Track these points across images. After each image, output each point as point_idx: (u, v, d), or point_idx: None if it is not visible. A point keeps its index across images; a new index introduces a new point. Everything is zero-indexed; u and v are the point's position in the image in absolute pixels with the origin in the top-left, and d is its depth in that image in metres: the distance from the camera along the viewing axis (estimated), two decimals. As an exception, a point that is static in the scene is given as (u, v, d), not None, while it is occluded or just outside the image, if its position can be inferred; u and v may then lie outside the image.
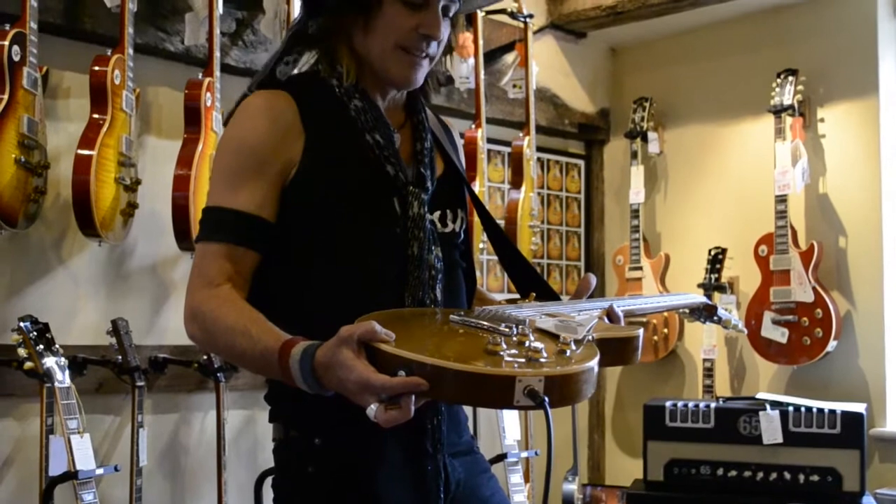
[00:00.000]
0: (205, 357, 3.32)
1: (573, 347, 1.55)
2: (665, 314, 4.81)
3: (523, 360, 1.47)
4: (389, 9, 1.79)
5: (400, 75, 1.83)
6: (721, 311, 2.47)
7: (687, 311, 2.42)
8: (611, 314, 1.84)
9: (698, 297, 2.39)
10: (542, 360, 1.47)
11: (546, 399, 1.42)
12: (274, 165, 1.76)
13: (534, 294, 1.95)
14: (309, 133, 1.78)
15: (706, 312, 2.42)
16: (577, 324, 1.67)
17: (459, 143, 2.08)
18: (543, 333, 1.61)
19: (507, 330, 1.57)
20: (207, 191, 1.85)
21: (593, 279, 2.00)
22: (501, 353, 1.48)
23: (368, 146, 1.81)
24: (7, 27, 2.77)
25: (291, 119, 1.78)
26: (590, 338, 1.63)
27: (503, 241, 2.04)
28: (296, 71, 1.89)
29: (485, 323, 1.61)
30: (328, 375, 1.53)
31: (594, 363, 1.52)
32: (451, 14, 1.85)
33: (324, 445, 1.76)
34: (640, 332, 1.76)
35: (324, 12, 1.85)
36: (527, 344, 1.51)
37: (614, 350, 1.71)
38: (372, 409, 1.47)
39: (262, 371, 1.70)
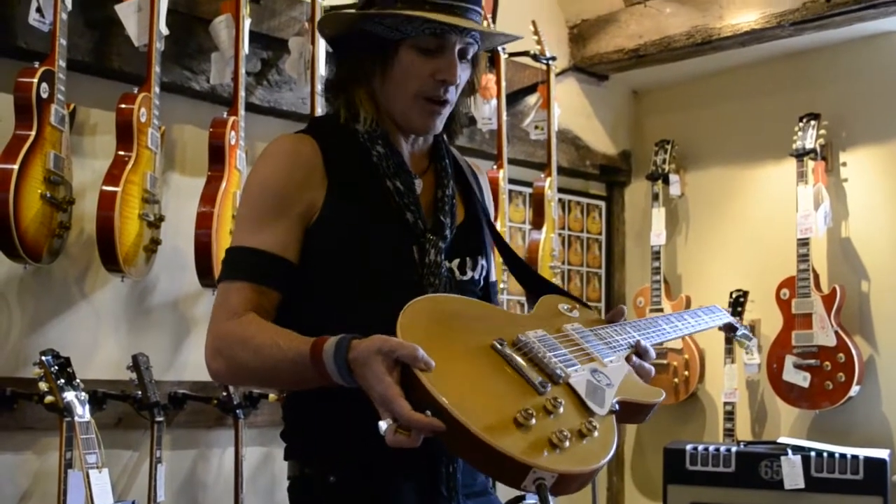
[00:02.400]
0: (224, 393, 3.33)
1: (594, 434, 1.57)
2: (686, 356, 4.79)
3: (546, 443, 1.50)
4: (405, 57, 1.80)
5: (421, 124, 1.85)
6: (741, 331, 2.50)
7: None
8: (639, 352, 1.87)
9: (722, 317, 2.37)
10: (564, 447, 1.50)
11: (550, 501, 1.46)
12: (297, 207, 1.78)
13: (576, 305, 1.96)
14: (331, 178, 1.80)
15: (727, 329, 2.45)
16: (607, 383, 1.70)
17: (487, 186, 2.09)
18: (573, 395, 1.63)
19: (541, 388, 1.59)
20: (232, 231, 1.87)
21: (624, 309, 2.00)
22: (529, 427, 1.50)
23: (389, 193, 1.83)
24: (36, 65, 2.81)
25: (315, 163, 1.80)
26: (615, 406, 1.66)
27: (525, 269, 2.07)
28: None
29: (523, 366, 1.62)
30: (358, 371, 1.54)
31: (606, 460, 1.56)
32: (469, 56, 1.85)
33: (339, 483, 1.76)
34: (661, 399, 1.80)
35: (343, 61, 1.88)
36: (553, 416, 1.55)
37: (633, 410, 1.75)
38: (383, 425, 1.49)
39: (295, 378, 1.68)
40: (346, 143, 1.84)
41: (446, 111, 1.86)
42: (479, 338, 1.66)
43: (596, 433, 1.57)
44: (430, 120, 1.84)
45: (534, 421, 1.51)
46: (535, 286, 2.05)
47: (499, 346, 1.65)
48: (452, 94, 1.84)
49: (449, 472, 1.78)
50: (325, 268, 1.78)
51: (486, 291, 1.98)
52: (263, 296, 1.75)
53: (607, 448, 1.57)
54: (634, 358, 1.85)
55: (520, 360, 1.64)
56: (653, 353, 1.90)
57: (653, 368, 1.89)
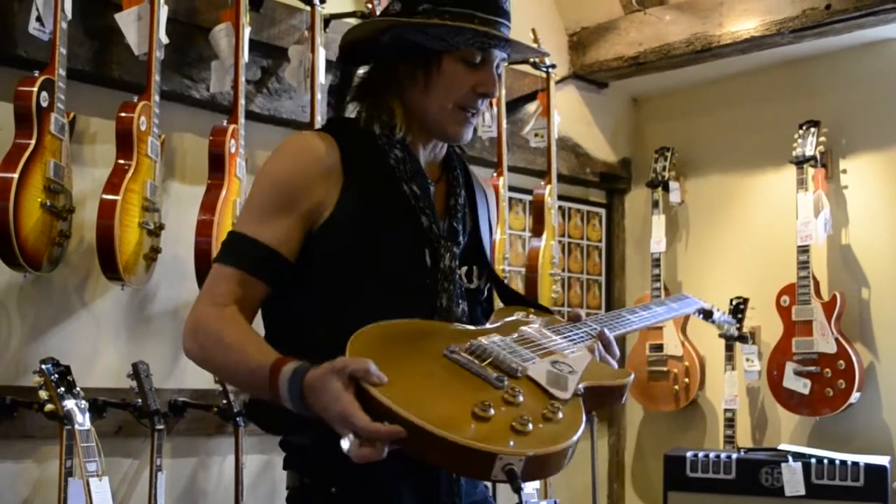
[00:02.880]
0: (224, 401, 3.33)
1: (559, 416, 1.55)
2: (686, 363, 4.79)
3: (508, 430, 1.48)
4: (449, 68, 1.81)
5: (455, 132, 1.86)
6: (717, 315, 2.53)
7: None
8: (602, 339, 1.85)
9: (692, 303, 2.39)
10: (527, 430, 1.48)
11: (522, 486, 1.43)
12: (305, 205, 1.78)
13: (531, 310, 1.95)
14: (348, 178, 1.80)
15: (703, 315, 2.48)
16: (569, 371, 1.67)
17: (493, 200, 2.09)
18: (534, 386, 1.61)
19: (497, 382, 1.58)
20: (238, 216, 1.87)
21: (581, 313, 1.98)
22: (488, 418, 1.48)
23: (405, 196, 1.83)
24: (36, 74, 2.81)
25: (332, 162, 1.80)
26: (580, 390, 1.63)
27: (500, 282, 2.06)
28: None
29: (477, 366, 1.61)
30: (314, 397, 1.54)
31: (574, 438, 1.53)
32: (500, 70, 1.88)
33: (339, 494, 1.76)
34: (630, 378, 1.78)
35: (378, 65, 1.88)
36: (513, 406, 1.53)
37: (603, 395, 1.73)
38: (346, 442, 1.48)
39: (250, 387, 1.72)
40: (364, 145, 1.85)
41: (476, 120, 1.89)
42: (431, 349, 1.65)
43: (560, 414, 1.55)
44: (463, 128, 1.86)
45: (492, 412, 1.49)
46: (507, 297, 2.04)
47: (450, 354, 1.64)
48: (485, 106, 1.88)
49: (451, 480, 1.78)
50: (334, 268, 1.78)
51: (491, 302, 1.98)
52: (251, 287, 1.76)
53: (574, 427, 1.55)
54: (598, 347, 1.83)
55: (474, 361, 1.62)
56: (615, 347, 1.88)
57: (616, 359, 1.87)
